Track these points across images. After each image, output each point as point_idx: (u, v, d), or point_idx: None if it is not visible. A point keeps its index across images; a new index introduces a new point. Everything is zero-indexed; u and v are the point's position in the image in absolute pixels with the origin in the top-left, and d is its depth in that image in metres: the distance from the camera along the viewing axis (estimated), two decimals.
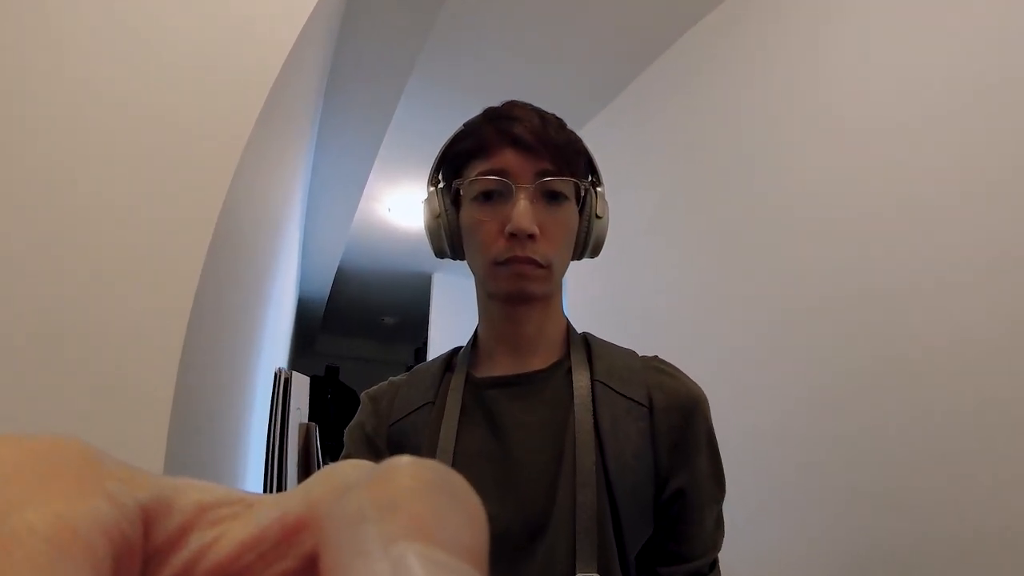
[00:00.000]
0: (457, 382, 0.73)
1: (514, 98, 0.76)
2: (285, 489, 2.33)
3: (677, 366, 0.74)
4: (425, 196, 0.77)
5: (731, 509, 0.72)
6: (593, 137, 2.72)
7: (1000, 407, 1.16)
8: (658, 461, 0.66)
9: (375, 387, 0.80)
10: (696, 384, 0.72)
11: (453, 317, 4.83)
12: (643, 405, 0.68)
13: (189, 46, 0.97)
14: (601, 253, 0.80)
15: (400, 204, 3.81)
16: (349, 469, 0.13)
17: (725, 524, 0.71)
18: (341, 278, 5.08)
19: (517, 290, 0.68)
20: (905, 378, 1.34)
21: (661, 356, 0.75)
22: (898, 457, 1.32)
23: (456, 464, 0.66)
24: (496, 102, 0.75)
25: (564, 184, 0.70)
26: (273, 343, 2.61)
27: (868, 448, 1.38)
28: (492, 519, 0.13)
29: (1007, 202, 1.22)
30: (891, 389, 1.36)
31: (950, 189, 1.33)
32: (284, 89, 1.19)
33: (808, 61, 1.77)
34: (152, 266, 0.85)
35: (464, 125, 0.75)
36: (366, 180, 3.33)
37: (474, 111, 0.75)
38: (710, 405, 0.71)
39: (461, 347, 0.80)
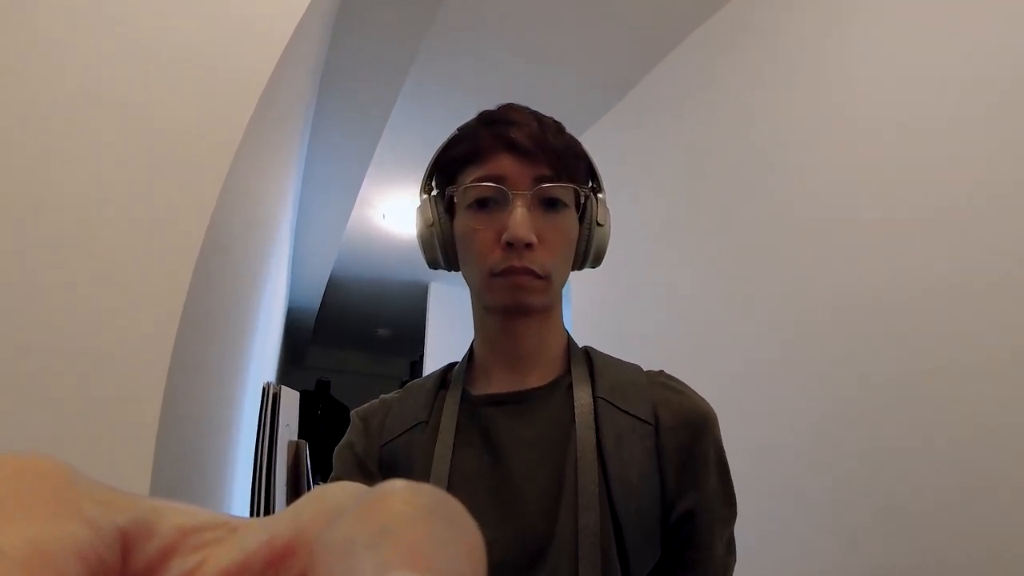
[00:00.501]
0: (452, 400, 0.72)
1: (516, 100, 0.76)
2: (273, 510, 2.31)
3: (686, 381, 0.74)
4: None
5: (744, 532, 0.72)
6: (597, 141, 2.73)
7: None
8: (665, 482, 0.66)
9: (365, 405, 0.79)
10: (704, 400, 0.71)
11: (451, 329, 4.82)
12: (648, 423, 0.67)
13: (181, 45, 0.98)
14: (605, 262, 0.80)
15: (395, 210, 3.82)
16: (339, 492, 0.13)
17: (737, 549, 0.70)
18: (333, 287, 5.08)
19: (515, 302, 0.68)
20: (927, 390, 1.34)
21: (669, 371, 0.75)
22: (923, 473, 1.31)
23: (451, 487, 0.66)
24: (496, 105, 0.75)
25: (563, 191, 0.70)
26: (261, 356, 2.61)
27: (891, 465, 1.38)
28: (490, 544, 0.13)
29: None
30: (912, 402, 1.36)
31: (972, 193, 1.33)
32: (278, 89, 1.19)
33: (819, 60, 1.78)
34: (140, 272, 0.85)
35: (458, 129, 0.74)
36: (360, 185, 3.34)
37: (474, 114, 0.75)
38: (721, 422, 0.71)
39: (456, 363, 0.79)
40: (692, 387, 0.73)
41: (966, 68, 1.38)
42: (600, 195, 0.77)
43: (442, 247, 0.75)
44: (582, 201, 0.74)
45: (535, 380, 0.72)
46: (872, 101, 1.59)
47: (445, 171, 0.75)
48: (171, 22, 0.98)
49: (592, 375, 0.72)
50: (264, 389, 2.57)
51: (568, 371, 0.73)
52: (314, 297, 5.15)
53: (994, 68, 1.32)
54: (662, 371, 0.75)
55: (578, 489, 0.62)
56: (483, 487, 0.66)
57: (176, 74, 0.96)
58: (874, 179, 1.55)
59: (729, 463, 0.71)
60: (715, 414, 0.70)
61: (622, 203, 2.46)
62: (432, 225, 0.74)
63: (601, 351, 0.78)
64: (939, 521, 1.26)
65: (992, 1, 1.36)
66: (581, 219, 0.74)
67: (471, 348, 0.79)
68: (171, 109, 0.94)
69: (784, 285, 1.76)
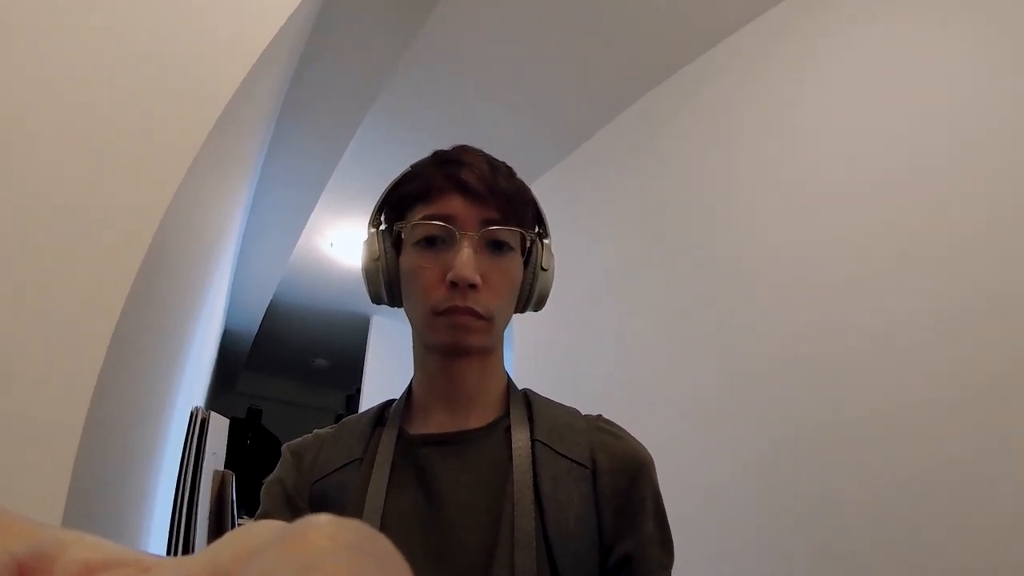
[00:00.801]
0: (388, 438, 0.71)
1: (473, 143, 0.77)
2: (193, 543, 2.19)
3: (629, 426, 0.75)
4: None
5: (683, 573, 0.72)
6: (550, 188, 2.80)
7: (953, 467, 1.24)
8: (602, 526, 0.66)
9: (298, 440, 0.77)
10: (641, 445, 0.72)
11: (390, 364, 4.73)
12: (585, 467, 0.68)
13: (155, 48, 0.96)
14: (549, 306, 0.81)
15: (344, 239, 3.78)
16: (264, 531, 0.13)
17: None
18: (272, 313, 4.95)
19: (456, 342, 0.68)
20: (862, 434, 1.42)
21: (612, 416, 0.76)
22: (858, 514, 1.38)
23: (385, 527, 0.64)
24: (453, 144, 0.77)
25: (510, 234, 0.71)
26: (193, 377, 2.51)
27: (827, 506, 1.44)
28: None
29: (959, 267, 1.34)
30: (845, 450, 1.44)
31: (902, 255, 1.45)
32: (243, 103, 1.18)
33: (770, 124, 1.89)
34: (75, 279, 0.81)
35: (411, 167, 0.76)
36: (311, 210, 3.30)
37: (430, 152, 0.76)
38: (664, 466, 0.71)
39: (394, 400, 0.79)
40: (632, 430, 0.74)
41: (917, 131, 1.50)
42: (546, 240, 0.78)
43: (386, 282, 0.75)
44: (528, 245, 0.76)
45: (474, 421, 0.72)
46: (821, 163, 1.71)
47: (395, 207, 0.76)
48: (146, 23, 0.96)
49: (531, 418, 0.72)
50: (192, 414, 2.47)
51: (507, 413, 0.73)
52: (252, 321, 5.00)
53: (945, 131, 1.44)
54: (600, 415, 0.76)
55: (515, 531, 0.62)
56: (418, 527, 0.65)
57: (143, 75, 0.94)
58: (815, 239, 1.66)
59: (671, 504, 0.71)
60: (652, 459, 0.71)
61: (571, 249, 2.50)
62: (378, 259, 0.74)
63: (541, 394, 0.78)
64: (875, 562, 1.32)
65: (930, 73, 1.49)
66: (526, 263, 0.76)
67: (410, 386, 0.78)
68: (132, 109, 0.91)
69: (726, 337, 1.82)
